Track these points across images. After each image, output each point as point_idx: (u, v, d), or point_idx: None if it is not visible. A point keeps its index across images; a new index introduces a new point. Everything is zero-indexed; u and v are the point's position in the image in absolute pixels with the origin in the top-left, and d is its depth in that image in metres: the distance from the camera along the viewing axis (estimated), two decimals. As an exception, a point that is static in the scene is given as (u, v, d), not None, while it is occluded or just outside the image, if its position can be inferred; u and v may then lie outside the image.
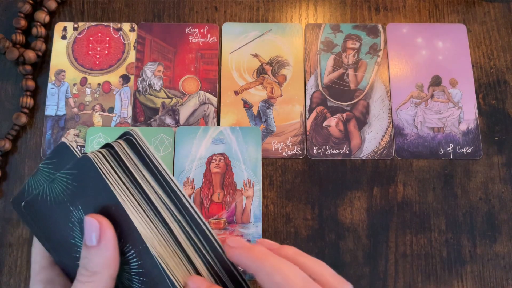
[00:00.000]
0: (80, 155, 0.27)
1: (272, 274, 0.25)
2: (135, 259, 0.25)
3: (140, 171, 0.27)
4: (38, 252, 0.28)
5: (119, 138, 0.28)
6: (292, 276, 0.25)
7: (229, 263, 0.27)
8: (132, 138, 0.28)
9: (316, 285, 0.25)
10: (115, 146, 0.27)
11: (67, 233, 0.27)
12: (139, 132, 0.28)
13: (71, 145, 0.27)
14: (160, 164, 0.28)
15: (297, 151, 0.51)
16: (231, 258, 0.27)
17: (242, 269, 0.28)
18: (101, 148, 0.28)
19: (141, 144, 0.28)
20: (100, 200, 0.26)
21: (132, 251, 0.25)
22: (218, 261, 0.27)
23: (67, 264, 0.28)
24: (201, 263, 0.27)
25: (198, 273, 0.27)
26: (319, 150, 0.51)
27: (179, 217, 0.27)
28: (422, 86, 0.53)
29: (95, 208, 0.26)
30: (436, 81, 0.54)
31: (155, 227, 0.26)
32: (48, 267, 0.28)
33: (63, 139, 0.28)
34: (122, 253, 0.26)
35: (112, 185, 0.26)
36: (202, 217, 0.28)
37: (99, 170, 0.25)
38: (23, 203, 0.28)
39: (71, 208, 0.26)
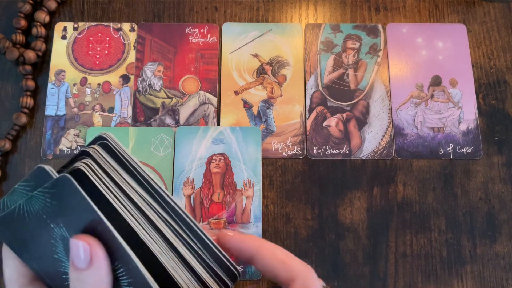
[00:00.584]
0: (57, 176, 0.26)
1: (274, 251, 0.28)
2: (125, 277, 0.25)
3: (121, 175, 0.27)
4: (15, 270, 0.27)
5: (93, 143, 0.28)
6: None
7: (222, 256, 0.28)
8: (107, 142, 0.28)
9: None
10: (91, 153, 0.27)
11: (49, 249, 0.26)
12: (113, 135, 0.28)
13: (50, 169, 0.26)
14: (138, 164, 0.28)
15: (297, 151, 0.51)
16: (232, 245, 0.28)
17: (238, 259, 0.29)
18: (77, 156, 0.27)
19: (116, 147, 0.28)
20: (83, 218, 0.25)
21: (122, 269, 0.25)
22: (210, 255, 0.27)
23: (53, 277, 0.27)
24: (194, 260, 0.27)
25: (192, 270, 0.27)
26: (319, 150, 0.51)
27: (165, 216, 0.27)
28: (422, 86, 0.53)
29: (78, 225, 0.25)
30: (436, 81, 0.54)
31: (146, 233, 0.26)
32: (28, 285, 0.27)
33: (41, 164, 0.27)
34: (112, 270, 0.25)
35: (105, 197, 0.25)
36: (187, 213, 0.28)
37: (80, 190, 0.25)
38: None
39: (52, 226, 0.26)
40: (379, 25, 0.56)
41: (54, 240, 0.26)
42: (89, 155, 0.27)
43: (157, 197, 0.28)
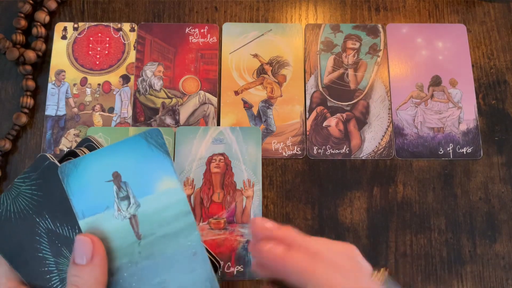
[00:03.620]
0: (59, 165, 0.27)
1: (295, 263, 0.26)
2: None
3: None
4: (4, 275, 0.28)
5: (80, 145, 0.30)
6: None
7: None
8: (93, 144, 0.30)
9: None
10: (79, 154, 0.29)
11: (34, 247, 0.27)
12: (98, 138, 0.30)
13: (51, 157, 0.28)
14: None
15: (297, 151, 0.51)
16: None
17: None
18: (65, 156, 0.29)
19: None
20: (67, 206, 0.26)
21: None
22: None
23: (36, 280, 0.27)
24: None
25: None
26: (319, 150, 0.51)
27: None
28: (422, 86, 0.53)
29: (63, 215, 0.26)
30: (436, 81, 0.54)
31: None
32: None
33: (43, 153, 0.28)
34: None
35: None
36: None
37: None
38: None
39: (37, 220, 0.27)
40: (379, 25, 0.56)
41: (39, 236, 0.27)
42: (75, 155, 0.28)
43: None
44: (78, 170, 0.26)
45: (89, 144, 0.30)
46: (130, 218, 0.26)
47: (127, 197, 0.26)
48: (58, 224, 0.27)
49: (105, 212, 0.26)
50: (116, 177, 0.26)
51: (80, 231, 0.26)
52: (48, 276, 0.27)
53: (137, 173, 0.26)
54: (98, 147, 0.29)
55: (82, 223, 0.26)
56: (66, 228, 0.27)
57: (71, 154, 0.29)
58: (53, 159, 0.28)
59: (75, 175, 0.26)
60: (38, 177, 0.27)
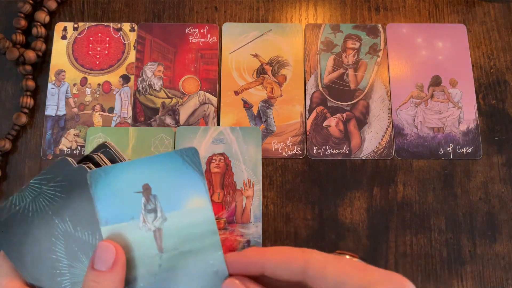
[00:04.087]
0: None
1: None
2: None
3: None
4: (5, 275, 0.27)
5: (97, 150, 0.30)
6: None
7: None
8: (109, 150, 0.30)
9: None
10: (96, 159, 0.29)
11: (48, 248, 0.27)
12: (114, 144, 0.30)
13: (72, 161, 0.28)
14: None
15: (297, 151, 0.51)
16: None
17: None
18: (82, 160, 0.29)
19: (117, 155, 0.30)
20: (90, 211, 0.26)
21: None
22: None
23: (44, 281, 0.27)
24: None
25: None
26: (319, 150, 0.51)
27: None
28: (422, 86, 0.53)
29: (85, 220, 0.26)
30: (436, 81, 0.54)
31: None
32: None
33: (65, 157, 0.28)
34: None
35: None
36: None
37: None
38: None
39: (56, 221, 0.27)
40: (379, 25, 0.56)
41: (55, 238, 0.27)
42: (91, 160, 0.28)
43: None
44: (108, 177, 0.26)
45: (105, 150, 0.30)
46: (154, 231, 0.26)
47: (154, 210, 0.26)
48: (79, 228, 0.27)
49: (129, 222, 0.26)
50: (146, 189, 0.26)
51: (101, 237, 0.26)
52: (59, 278, 0.27)
53: (168, 188, 0.26)
54: (115, 153, 0.30)
55: (104, 230, 0.26)
56: (86, 233, 0.27)
57: (88, 159, 0.29)
58: (74, 163, 0.28)
59: (104, 182, 0.26)
60: (63, 179, 0.27)
